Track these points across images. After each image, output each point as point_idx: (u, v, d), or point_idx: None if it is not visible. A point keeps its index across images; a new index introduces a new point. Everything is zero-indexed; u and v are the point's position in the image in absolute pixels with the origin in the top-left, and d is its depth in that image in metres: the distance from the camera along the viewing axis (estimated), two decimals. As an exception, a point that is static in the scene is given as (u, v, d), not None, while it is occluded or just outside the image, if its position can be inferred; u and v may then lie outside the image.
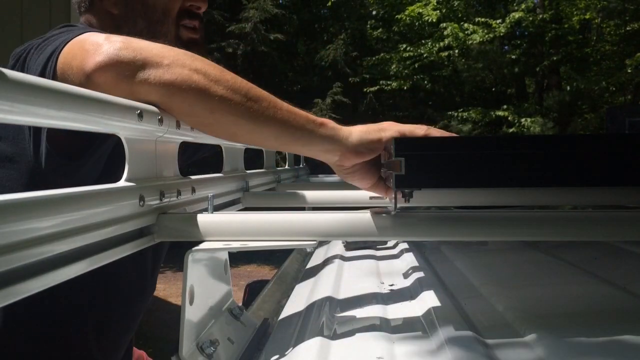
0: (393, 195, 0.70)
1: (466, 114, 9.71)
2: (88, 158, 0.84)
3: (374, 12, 11.56)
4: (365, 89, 10.52)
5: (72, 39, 0.78)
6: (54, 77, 0.77)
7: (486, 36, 9.61)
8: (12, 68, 0.84)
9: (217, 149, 1.19)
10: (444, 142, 0.70)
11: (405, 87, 10.64)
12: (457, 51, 10.32)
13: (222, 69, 0.78)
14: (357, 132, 0.79)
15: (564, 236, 0.72)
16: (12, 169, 0.87)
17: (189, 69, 0.73)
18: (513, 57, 10.18)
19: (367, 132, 0.79)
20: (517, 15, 9.71)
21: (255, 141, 0.81)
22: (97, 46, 0.74)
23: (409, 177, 0.64)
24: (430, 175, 0.65)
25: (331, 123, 0.79)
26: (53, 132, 0.81)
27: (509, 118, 9.38)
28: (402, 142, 0.65)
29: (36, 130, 0.83)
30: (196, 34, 1.10)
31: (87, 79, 0.73)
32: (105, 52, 0.73)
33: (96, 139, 0.83)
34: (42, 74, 0.77)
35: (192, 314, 0.68)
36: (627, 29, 10.34)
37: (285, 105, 0.78)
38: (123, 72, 0.72)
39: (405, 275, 1.10)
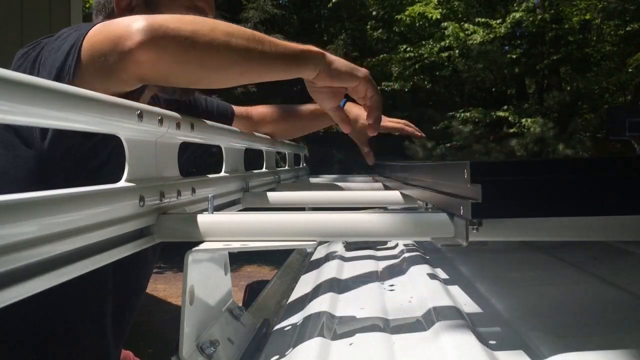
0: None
1: (467, 114, 9.70)
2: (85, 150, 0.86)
3: (374, 13, 11.56)
4: (365, 90, 10.49)
5: (92, 28, 0.81)
6: (77, 65, 0.79)
7: (487, 36, 9.60)
8: (19, 67, 0.85)
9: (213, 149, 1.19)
10: (528, 165, 0.64)
11: (406, 89, 10.64)
12: (457, 51, 10.31)
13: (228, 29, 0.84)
14: (338, 61, 0.95)
15: (564, 236, 0.72)
16: (17, 156, 0.88)
17: (214, 32, 0.80)
18: (513, 57, 10.18)
19: (345, 65, 0.95)
20: (517, 15, 9.71)
21: (259, 71, 0.90)
22: (130, 26, 0.76)
23: (487, 205, 0.58)
24: (514, 203, 0.59)
25: (316, 48, 0.94)
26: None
27: (510, 118, 9.37)
28: (479, 167, 0.60)
29: None
30: None
31: (128, 58, 0.76)
32: (139, 30, 0.76)
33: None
34: (63, 63, 0.79)
35: (192, 314, 0.68)
36: (627, 29, 10.33)
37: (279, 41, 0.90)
38: (160, 45, 0.76)
39: (406, 275, 1.10)
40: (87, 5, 8.99)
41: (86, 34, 0.80)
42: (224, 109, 1.52)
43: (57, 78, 0.78)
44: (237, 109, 1.55)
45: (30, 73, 0.83)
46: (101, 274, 1.00)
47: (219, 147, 1.14)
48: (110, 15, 1.07)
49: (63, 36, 0.85)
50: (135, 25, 0.76)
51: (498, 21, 9.83)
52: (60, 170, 0.88)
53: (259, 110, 1.61)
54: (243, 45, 0.82)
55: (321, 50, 0.93)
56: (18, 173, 0.88)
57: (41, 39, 0.90)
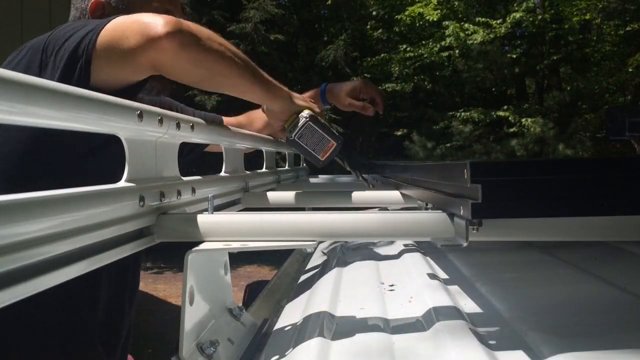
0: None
1: (467, 114, 9.70)
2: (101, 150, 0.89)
3: (374, 13, 11.55)
4: (366, 92, 10.49)
5: (112, 20, 0.88)
6: (93, 50, 0.85)
7: (487, 36, 9.60)
8: (26, 56, 0.87)
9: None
10: (528, 165, 0.64)
11: (406, 89, 10.63)
12: (457, 51, 10.31)
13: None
14: (298, 100, 1.14)
15: (564, 236, 0.72)
16: (8, 130, 0.90)
17: (223, 45, 0.95)
18: (513, 57, 10.17)
19: (298, 104, 1.14)
20: (517, 15, 9.70)
21: (244, 89, 1.03)
22: (161, 18, 0.85)
23: (487, 205, 0.58)
24: (514, 203, 0.59)
25: (286, 89, 1.13)
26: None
27: (510, 118, 9.36)
28: (478, 167, 0.60)
29: None
30: None
31: (153, 44, 0.84)
32: (168, 23, 0.84)
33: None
34: (76, 48, 0.86)
35: (192, 314, 0.68)
36: (627, 29, 10.33)
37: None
38: (184, 40, 0.86)
39: (405, 275, 1.10)
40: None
41: (110, 20, 0.87)
42: (212, 119, 1.53)
43: (74, 51, 0.85)
44: (226, 120, 1.56)
45: (45, 47, 0.89)
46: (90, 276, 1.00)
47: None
48: (83, 16, 1.14)
49: (77, 24, 0.91)
50: (166, 19, 0.85)
51: (498, 21, 9.82)
52: (57, 144, 0.89)
53: (239, 120, 1.63)
54: (243, 64, 0.98)
55: (289, 92, 1.13)
56: (10, 148, 0.89)
57: (55, 31, 0.94)
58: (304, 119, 1.12)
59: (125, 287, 1.18)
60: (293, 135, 1.12)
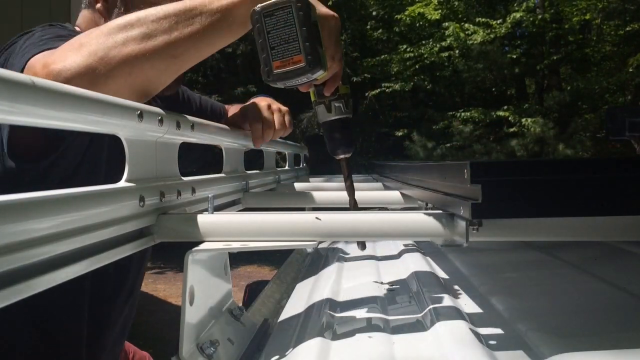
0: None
1: (467, 114, 9.70)
2: (52, 159, 0.85)
3: (374, 13, 11.55)
4: (366, 93, 10.50)
5: (24, 66, 0.78)
6: None
7: (487, 36, 9.60)
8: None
9: (216, 149, 1.19)
10: (528, 165, 0.64)
11: (407, 89, 10.63)
12: (457, 51, 10.31)
13: (131, 18, 0.77)
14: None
15: (564, 236, 0.72)
16: None
17: (115, 48, 0.74)
18: (513, 57, 10.18)
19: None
20: (517, 15, 9.71)
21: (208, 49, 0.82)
22: (43, 75, 0.72)
23: (487, 205, 0.58)
24: (514, 203, 0.59)
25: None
26: (14, 136, 0.82)
27: (510, 118, 9.36)
28: (478, 167, 0.60)
29: None
30: None
31: None
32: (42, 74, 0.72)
33: (60, 140, 0.84)
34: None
35: (192, 314, 0.68)
36: (627, 29, 10.33)
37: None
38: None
39: (405, 275, 1.10)
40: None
41: (27, 62, 0.78)
42: (218, 108, 1.52)
43: None
44: (230, 108, 1.55)
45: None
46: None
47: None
48: (91, 5, 1.09)
49: (18, 48, 0.84)
50: (46, 73, 0.72)
51: (498, 21, 9.83)
52: (27, 182, 0.87)
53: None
54: (162, 42, 0.76)
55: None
56: None
57: (15, 38, 0.90)
58: None
59: (123, 285, 1.17)
60: (260, 7, 0.76)
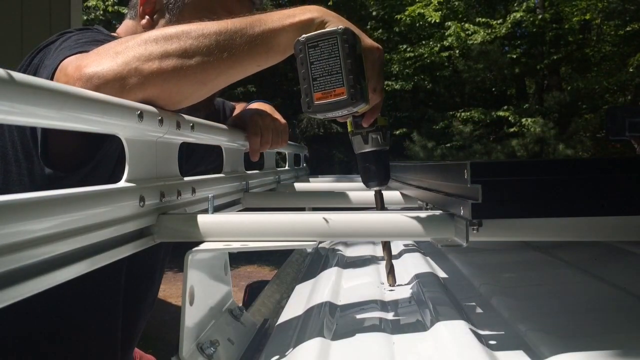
0: None
1: (467, 114, 9.71)
2: (84, 168, 0.85)
3: (374, 13, 11.55)
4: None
5: (57, 67, 0.78)
6: None
7: (487, 36, 9.61)
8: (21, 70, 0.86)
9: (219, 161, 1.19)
10: (528, 166, 0.63)
11: (406, 88, 10.64)
12: (457, 51, 10.32)
13: (174, 31, 0.76)
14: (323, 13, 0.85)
15: (564, 236, 0.72)
16: (22, 173, 0.88)
17: (151, 61, 0.73)
18: (513, 57, 10.18)
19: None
20: (517, 15, 9.71)
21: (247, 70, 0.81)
22: (75, 77, 0.72)
23: (487, 205, 0.58)
24: (514, 203, 0.59)
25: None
26: (49, 145, 0.81)
27: (510, 118, 9.37)
28: (478, 167, 0.60)
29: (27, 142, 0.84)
30: None
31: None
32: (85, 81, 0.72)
33: (94, 149, 0.84)
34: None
35: (192, 314, 0.68)
36: (627, 29, 10.33)
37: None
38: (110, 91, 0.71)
39: (405, 275, 1.10)
40: (86, 4, 8.99)
41: (60, 62, 0.78)
42: (230, 108, 1.53)
43: None
44: (236, 106, 1.56)
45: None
46: (113, 276, 1.00)
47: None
48: (136, 18, 1.09)
49: (54, 49, 0.85)
50: (78, 75, 0.72)
51: (498, 21, 9.84)
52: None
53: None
54: (199, 61, 0.75)
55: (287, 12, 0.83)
56: (23, 189, 0.88)
57: (54, 37, 0.90)
58: (335, 27, 0.76)
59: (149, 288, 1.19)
60: (304, 38, 0.76)
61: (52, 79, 0.76)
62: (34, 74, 0.83)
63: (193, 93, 0.79)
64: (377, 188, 0.93)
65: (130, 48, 0.74)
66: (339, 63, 0.74)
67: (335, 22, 0.79)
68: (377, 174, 0.90)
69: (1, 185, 0.91)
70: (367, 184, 0.92)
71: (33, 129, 0.83)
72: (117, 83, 0.71)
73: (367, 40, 0.81)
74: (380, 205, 0.94)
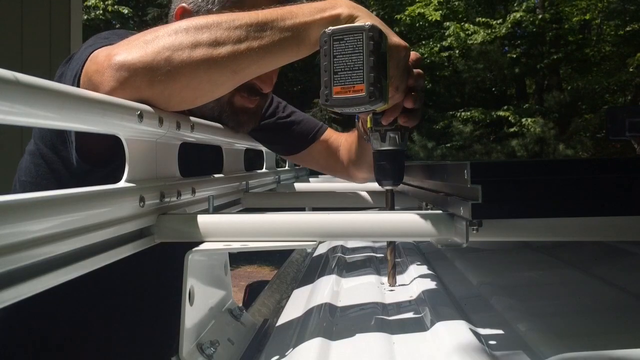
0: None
1: (467, 114, 9.71)
2: (113, 165, 0.86)
3: (374, 13, 11.56)
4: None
5: (88, 57, 0.79)
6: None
7: (487, 36, 9.62)
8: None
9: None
10: (528, 166, 0.63)
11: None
12: (457, 51, 10.33)
13: (205, 21, 0.76)
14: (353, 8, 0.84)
15: (564, 236, 0.72)
16: (52, 169, 0.91)
17: (182, 50, 0.73)
18: (513, 57, 10.19)
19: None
20: (517, 15, 9.72)
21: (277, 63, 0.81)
22: (105, 65, 0.73)
23: (487, 205, 0.58)
24: (514, 203, 0.59)
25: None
26: (82, 141, 0.84)
27: (510, 118, 9.38)
28: (479, 167, 0.60)
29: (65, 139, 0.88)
30: (252, 103, 1.09)
31: (111, 93, 0.71)
32: (113, 73, 0.72)
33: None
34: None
35: (192, 314, 0.68)
36: (627, 29, 10.34)
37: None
38: (138, 86, 0.72)
39: (405, 275, 1.10)
40: (86, 4, 8.99)
41: (91, 53, 0.79)
42: (309, 127, 1.36)
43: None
44: (333, 134, 1.36)
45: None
46: (118, 279, 1.00)
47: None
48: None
49: (84, 46, 0.86)
50: (108, 64, 0.73)
51: (498, 21, 9.84)
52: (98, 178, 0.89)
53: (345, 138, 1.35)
54: (228, 52, 0.75)
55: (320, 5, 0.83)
56: (49, 185, 0.89)
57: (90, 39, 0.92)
58: (363, 22, 0.75)
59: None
60: (331, 30, 0.75)
61: (82, 69, 0.77)
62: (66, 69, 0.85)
63: (224, 82, 0.79)
64: (389, 187, 0.92)
65: (161, 37, 0.74)
66: (362, 59, 0.73)
67: (364, 18, 0.78)
68: (389, 172, 0.89)
69: (31, 180, 0.92)
70: (380, 182, 0.91)
71: None
72: (148, 73, 0.72)
73: (394, 38, 0.79)
74: (390, 204, 0.93)
